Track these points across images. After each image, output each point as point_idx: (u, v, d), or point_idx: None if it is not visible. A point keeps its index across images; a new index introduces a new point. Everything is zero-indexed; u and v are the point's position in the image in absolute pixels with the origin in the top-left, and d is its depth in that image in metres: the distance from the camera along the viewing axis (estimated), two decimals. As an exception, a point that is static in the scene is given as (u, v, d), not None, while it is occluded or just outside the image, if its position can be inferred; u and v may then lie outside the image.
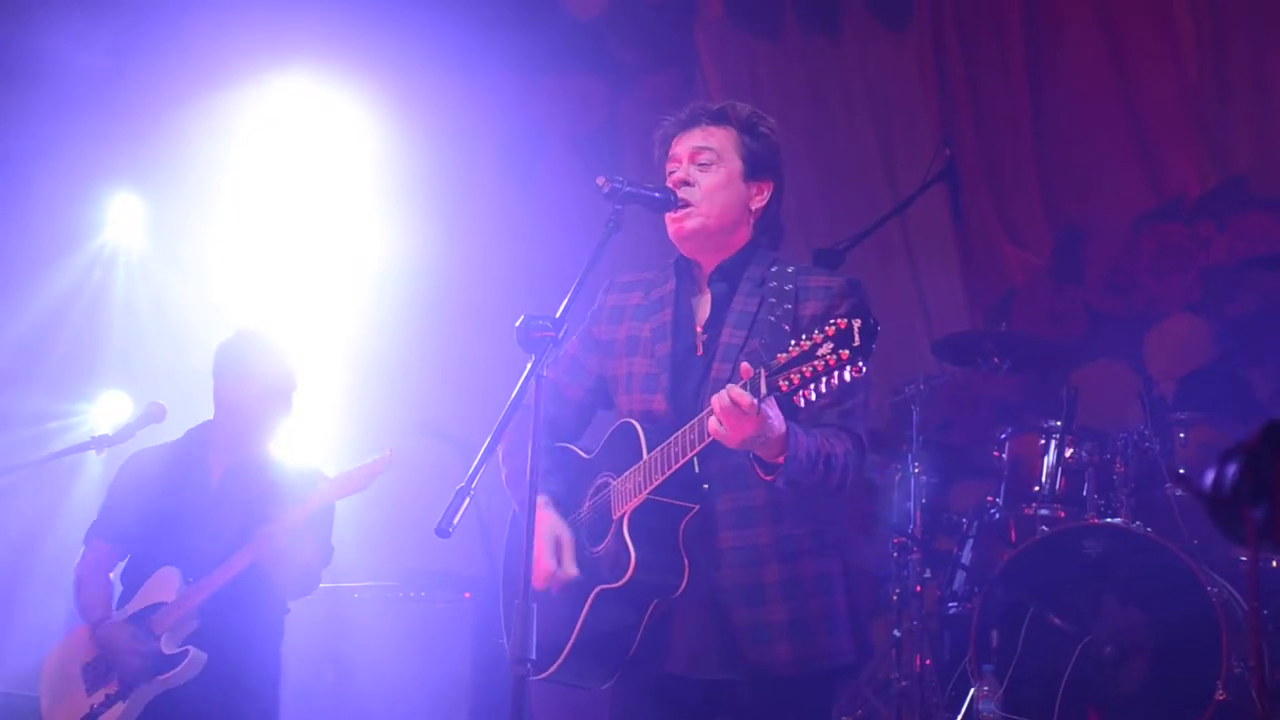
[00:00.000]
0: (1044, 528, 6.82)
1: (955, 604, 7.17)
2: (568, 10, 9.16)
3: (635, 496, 3.82)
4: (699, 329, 4.01)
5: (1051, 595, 6.52)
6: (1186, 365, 7.93)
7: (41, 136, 7.98)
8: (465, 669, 6.89)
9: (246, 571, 5.20)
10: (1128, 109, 8.53)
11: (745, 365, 3.52)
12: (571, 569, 3.92)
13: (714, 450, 3.68)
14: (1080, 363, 8.14)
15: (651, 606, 3.85)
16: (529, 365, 3.54)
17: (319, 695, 6.72)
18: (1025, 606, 6.52)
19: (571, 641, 3.87)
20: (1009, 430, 7.36)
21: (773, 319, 3.78)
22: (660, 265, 4.18)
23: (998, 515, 7.28)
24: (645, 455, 3.83)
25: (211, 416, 5.66)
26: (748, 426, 3.50)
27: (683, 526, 3.82)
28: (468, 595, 7.03)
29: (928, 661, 6.97)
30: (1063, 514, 6.98)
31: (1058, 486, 7.03)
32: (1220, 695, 6.06)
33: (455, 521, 3.39)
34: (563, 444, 4.19)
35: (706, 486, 3.84)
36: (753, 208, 4.06)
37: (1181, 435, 6.93)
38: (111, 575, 5.55)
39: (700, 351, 3.97)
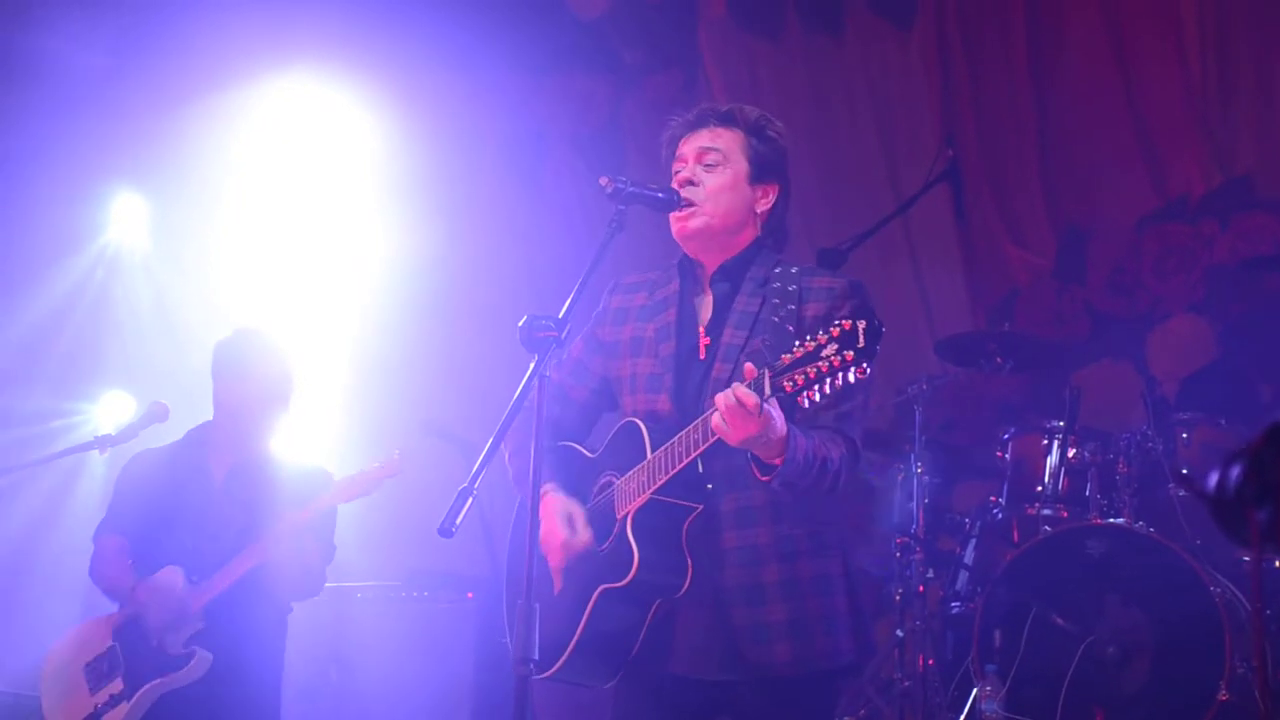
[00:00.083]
0: (1047, 528, 6.82)
1: (958, 604, 7.18)
2: (571, 10, 9.16)
3: (639, 496, 3.83)
4: (701, 329, 4.01)
5: (1054, 595, 6.52)
6: (1189, 366, 7.93)
7: (43, 136, 7.99)
8: (468, 669, 6.89)
9: (251, 573, 5.20)
10: (1131, 109, 8.53)
11: (749, 365, 3.52)
12: (585, 534, 3.93)
13: (718, 450, 3.68)
14: (1083, 363, 8.15)
15: (654, 606, 3.85)
16: (532, 365, 3.54)
17: (322, 695, 6.73)
18: (1028, 606, 6.52)
19: (574, 640, 3.88)
20: (1012, 430, 7.36)
21: (776, 319, 3.78)
22: (664, 266, 4.18)
23: (1000, 515, 7.28)
24: (649, 455, 3.83)
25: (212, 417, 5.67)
26: (751, 426, 3.50)
27: (686, 526, 3.82)
28: (470, 595, 7.03)
29: (930, 661, 6.97)
30: (1065, 514, 6.98)
31: (1060, 487, 7.03)
32: (1223, 695, 6.05)
33: (458, 522, 3.39)
34: (566, 443, 4.19)
35: (710, 486, 3.84)
36: (758, 210, 4.06)
37: (1184, 435, 6.93)
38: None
39: (702, 353, 3.97)
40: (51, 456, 5.91)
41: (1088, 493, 6.95)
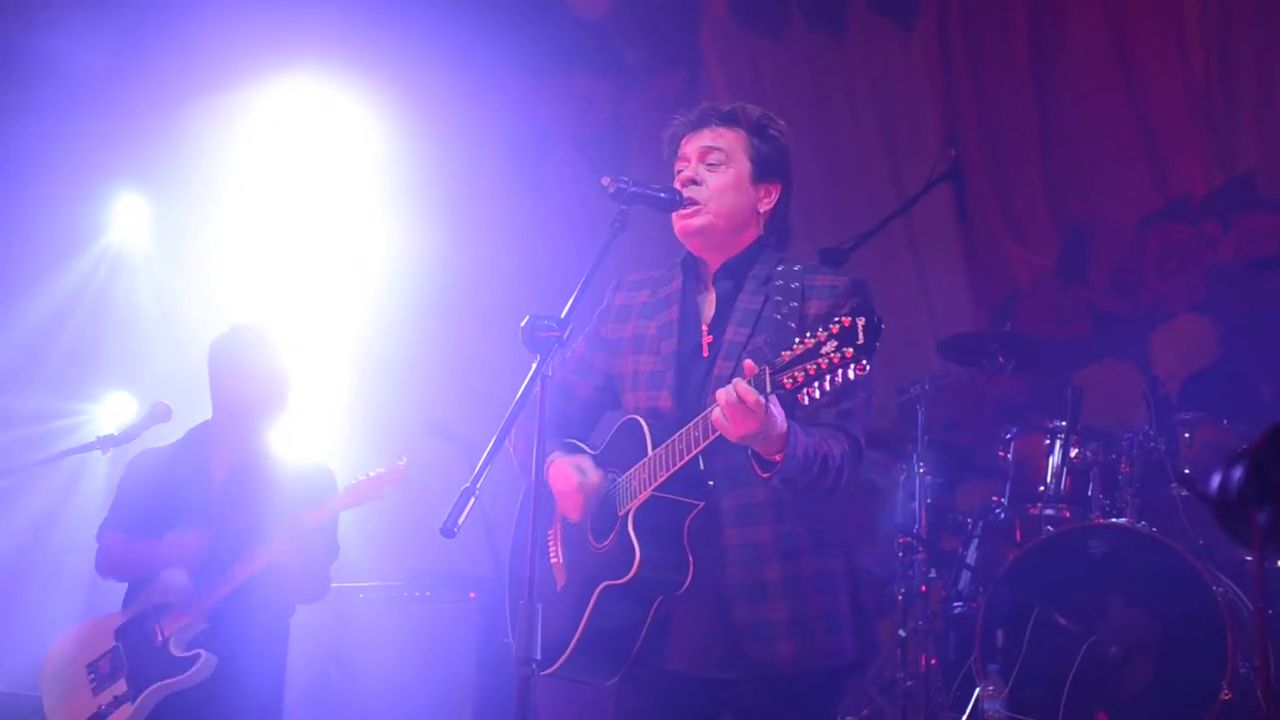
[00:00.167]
0: (1049, 528, 6.83)
1: (960, 604, 7.18)
2: (572, 10, 9.16)
3: (640, 493, 3.83)
4: (704, 327, 4.02)
5: (1056, 595, 6.53)
6: (1191, 365, 7.92)
7: (45, 136, 7.99)
8: (470, 669, 6.90)
9: (256, 575, 5.19)
10: (1133, 108, 8.52)
11: (749, 362, 3.53)
12: (596, 475, 3.95)
13: (719, 447, 3.69)
14: (1085, 363, 8.15)
15: (656, 603, 3.86)
16: (534, 365, 3.54)
17: (324, 695, 6.73)
18: (1030, 606, 6.52)
19: (576, 638, 3.88)
20: (1014, 430, 7.36)
21: (778, 317, 3.79)
22: (668, 264, 4.19)
23: (1003, 515, 7.29)
24: (650, 452, 3.84)
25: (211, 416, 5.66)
26: (751, 423, 3.50)
27: (687, 523, 3.83)
28: (473, 595, 7.03)
29: (933, 661, 6.97)
30: (1068, 514, 6.98)
31: (1063, 486, 7.03)
32: (1225, 695, 6.06)
33: (460, 522, 3.39)
34: (570, 440, 4.19)
35: (711, 484, 3.85)
36: (761, 210, 4.06)
37: (1186, 435, 6.94)
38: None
39: (705, 351, 3.98)
40: (54, 457, 5.90)
41: (1090, 492, 6.96)
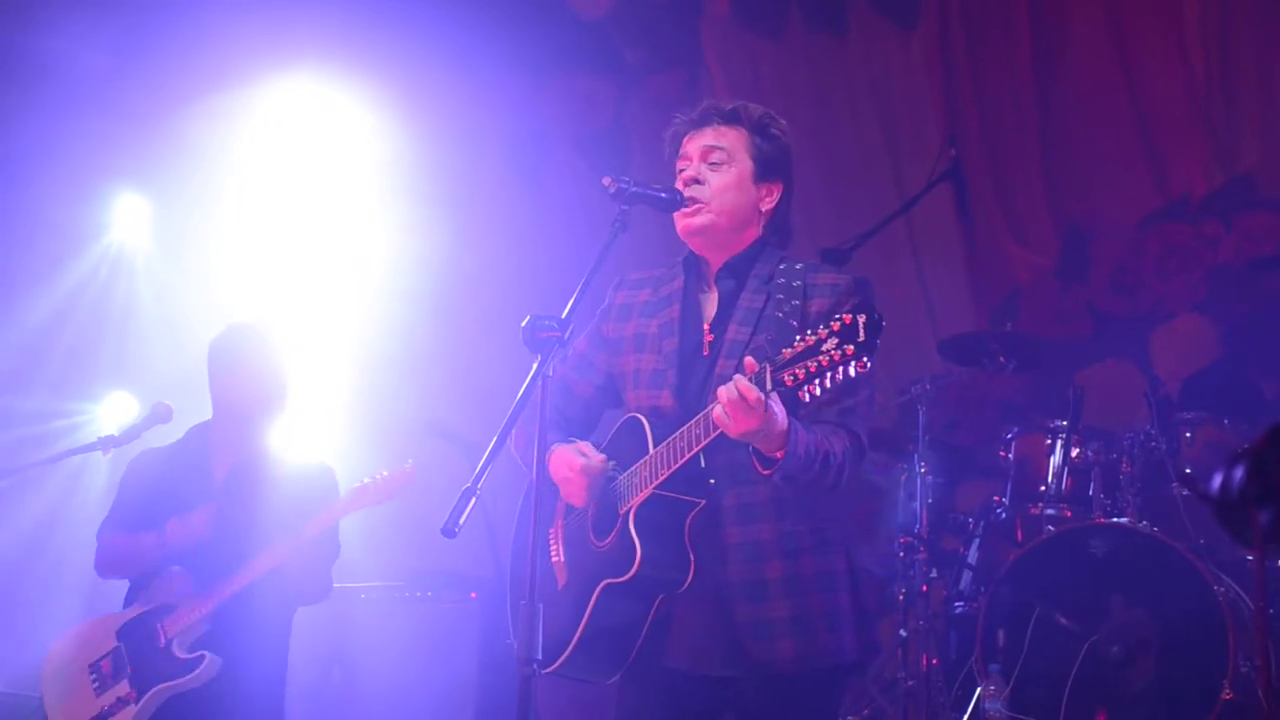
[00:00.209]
0: (1050, 527, 6.83)
1: (961, 603, 7.18)
2: (573, 10, 9.16)
3: (641, 491, 3.83)
4: (706, 326, 4.02)
5: (1058, 595, 6.53)
6: (1192, 365, 7.92)
7: (46, 136, 7.99)
8: (471, 669, 6.90)
9: (259, 577, 5.19)
10: (1134, 108, 8.53)
11: (749, 359, 3.53)
12: (598, 457, 3.96)
13: (720, 445, 3.69)
14: (1086, 363, 8.14)
15: (657, 602, 3.86)
16: (535, 366, 3.55)
17: (325, 695, 6.73)
18: (1031, 606, 6.53)
19: (577, 635, 3.88)
20: (1015, 430, 7.36)
21: (780, 315, 3.79)
22: (669, 263, 4.19)
23: (1004, 515, 7.29)
24: (651, 450, 3.84)
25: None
26: (752, 420, 3.51)
27: (688, 522, 3.83)
28: (474, 595, 7.03)
29: (934, 661, 6.97)
30: (1069, 514, 6.98)
31: (1064, 486, 7.03)
32: (1227, 694, 6.06)
33: (461, 522, 3.39)
34: (571, 439, 4.19)
35: (713, 482, 3.85)
36: (762, 209, 4.07)
37: (1187, 435, 6.94)
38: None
39: (706, 349, 3.98)
40: (55, 457, 5.90)
41: (1091, 492, 6.96)
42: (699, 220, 3.99)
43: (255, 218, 8.29)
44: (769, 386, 3.47)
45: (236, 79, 8.07)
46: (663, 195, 3.95)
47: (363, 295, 8.29)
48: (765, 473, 3.68)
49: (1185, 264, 8.37)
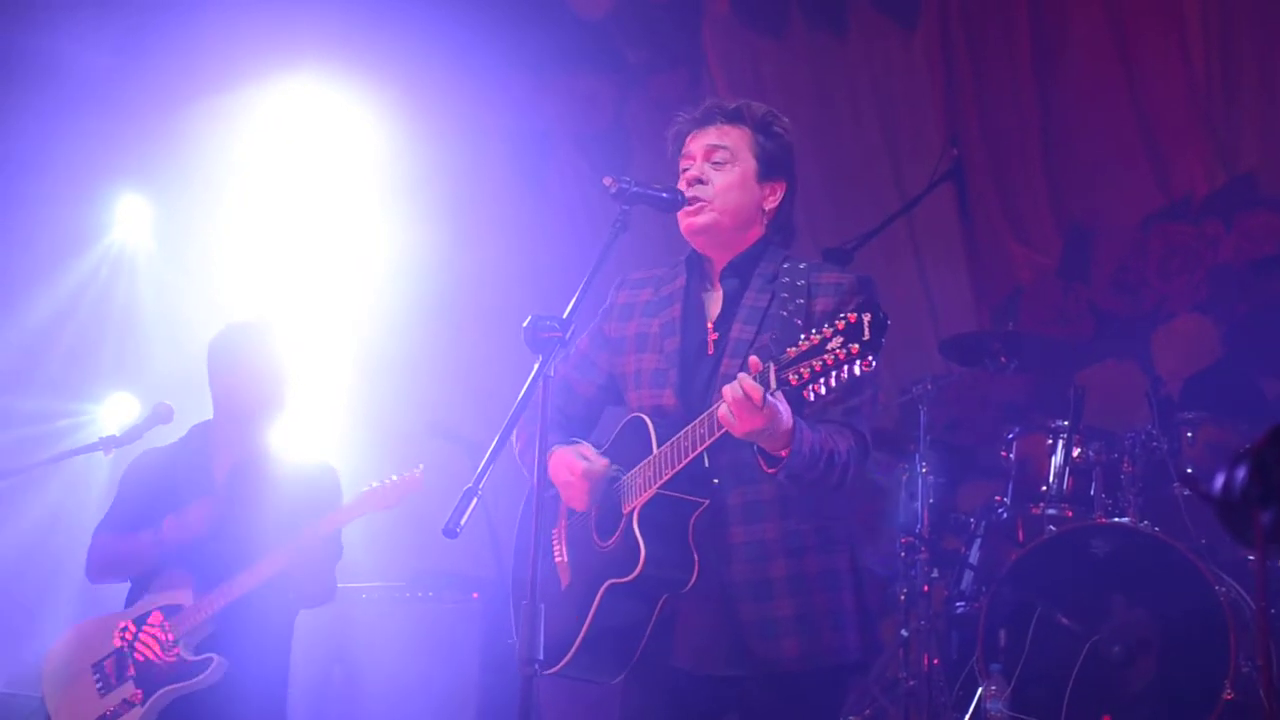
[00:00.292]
0: (1051, 527, 6.83)
1: (963, 603, 7.18)
2: (574, 10, 9.16)
3: (645, 491, 3.83)
4: (710, 325, 4.02)
5: (1059, 595, 6.53)
6: (1193, 365, 7.92)
7: (48, 136, 7.99)
8: (473, 669, 6.90)
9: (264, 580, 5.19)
10: (1135, 108, 8.53)
11: (754, 358, 3.54)
12: (600, 461, 3.95)
13: (724, 445, 3.70)
14: (1087, 362, 8.14)
15: (661, 602, 3.85)
16: (536, 366, 3.55)
17: (327, 695, 6.73)
18: (1033, 606, 6.52)
19: (581, 636, 3.88)
20: (1016, 430, 7.36)
21: (784, 314, 3.79)
22: (671, 262, 4.19)
23: (1005, 515, 7.29)
24: (655, 450, 3.84)
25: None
26: (757, 419, 3.51)
27: (693, 521, 3.83)
28: (475, 595, 7.04)
29: (935, 661, 6.97)
30: (1070, 513, 6.98)
31: (1065, 486, 7.03)
32: (1228, 694, 6.06)
33: (463, 522, 3.39)
34: (572, 439, 4.19)
35: (717, 481, 3.85)
36: (766, 208, 4.07)
37: (1189, 435, 6.94)
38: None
39: (711, 348, 3.98)
40: (56, 458, 5.90)
41: (1092, 492, 6.96)
42: (702, 219, 3.99)
43: (257, 218, 8.29)
44: (774, 385, 3.47)
45: (238, 79, 8.08)
46: (664, 195, 3.95)
47: (364, 295, 8.29)
48: (770, 471, 3.67)
49: (1187, 264, 8.38)
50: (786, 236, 4.13)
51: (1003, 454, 7.38)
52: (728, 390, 3.53)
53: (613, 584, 3.83)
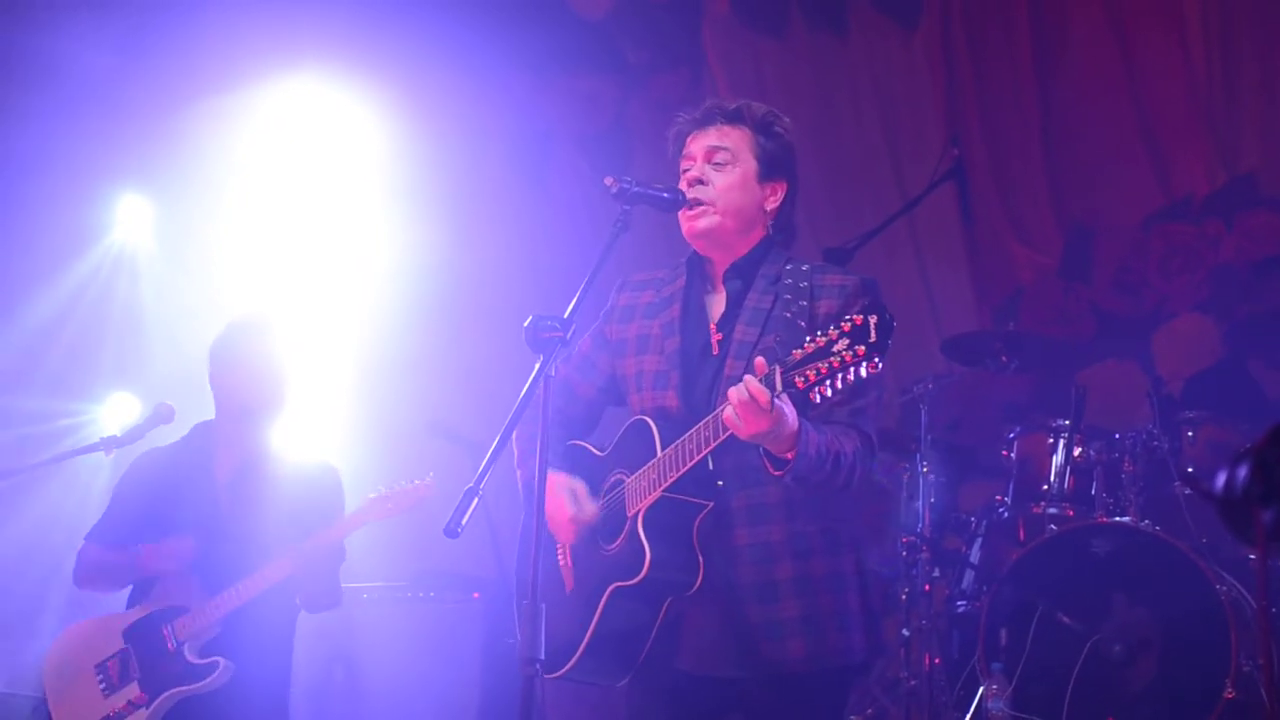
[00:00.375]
0: (1052, 526, 6.83)
1: (964, 603, 7.18)
2: (575, 10, 9.16)
3: (650, 494, 3.83)
4: (713, 326, 4.01)
5: (1060, 594, 6.53)
6: (1194, 365, 7.93)
7: (48, 137, 7.99)
8: (474, 669, 6.90)
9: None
10: (1136, 108, 8.53)
11: (760, 360, 3.53)
12: (591, 508, 3.95)
13: (728, 447, 3.69)
14: (1088, 362, 8.14)
15: (666, 604, 3.85)
16: (537, 366, 3.55)
17: (329, 695, 6.73)
18: (1034, 605, 6.53)
19: (586, 639, 3.88)
20: (1017, 429, 7.36)
21: (788, 315, 3.79)
22: (673, 264, 4.19)
23: (1006, 514, 7.29)
24: (659, 452, 3.84)
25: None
26: (763, 421, 3.51)
27: (697, 524, 3.83)
28: (476, 595, 7.03)
29: (936, 660, 6.98)
30: (1071, 513, 6.99)
31: (1066, 485, 7.04)
32: (1229, 693, 6.07)
33: (464, 522, 3.39)
34: (575, 442, 4.19)
35: (721, 483, 3.85)
36: (767, 208, 4.06)
37: (1190, 434, 6.94)
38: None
39: (715, 349, 3.98)
40: (57, 458, 5.90)
41: (1093, 491, 6.96)
42: (705, 222, 3.99)
43: (258, 218, 8.29)
44: (779, 387, 3.47)
45: (239, 79, 8.08)
46: (664, 195, 3.95)
47: (365, 295, 8.29)
48: (776, 474, 3.67)
49: (1188, 263, 8.38)
50: (788, 237, 4.13)
51: (1004, 453, 7.38)
52: (733, 392, 3.52)
53: (618, 587, 3.83)
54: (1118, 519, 6.64)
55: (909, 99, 9.05)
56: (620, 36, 9.35)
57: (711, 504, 3.83)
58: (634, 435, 3.97)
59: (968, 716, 6.58)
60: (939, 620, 7.16)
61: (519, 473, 4.20)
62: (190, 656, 5.15)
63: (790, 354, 3.46)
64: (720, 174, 4.01)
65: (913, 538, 7.20)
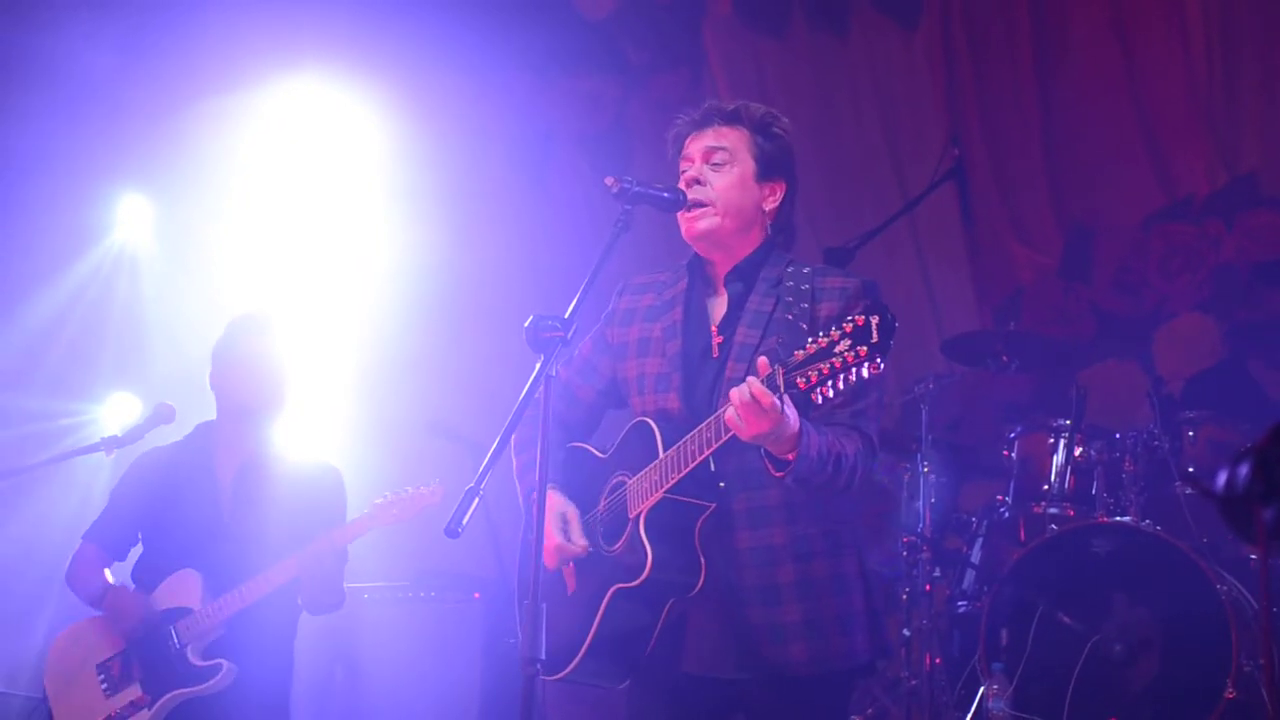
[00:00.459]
0: (1053, 526, 6.83)
1: (965, 603, 7.18)
2: (577, 11, 9.16)
3: (651, 495, 3.83)
4: (714, 328, 4.01)
5: (1061, 594, 6.53)
6: (1195, 365, 7.93)
7: (50, 137, 7.99)
8: (475, 669, 6.90)
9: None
10: (1136, 108, 8.53)
11: (763, 360, 3.53)
12: (580, 541, 3.94)
13: (730, 449, 3.69)
14: (1089, 362, 8.14)
15: (668, 606, 3.84)
16: (538, 365, 3.54)
17: (330, 695, 6.74)
18: (1035, 605, 6.53)
19: (588, 641, 3.88)
20: (1018, 429, 7.36)
21: (789, 318, 3.79)
22: (674, 267, 4.19)
23: (1007, 514, 7.29)
24: (661, 454, 3.83)
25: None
26: (765, 422, 3.51)
27: (699, 525, 3.82)
28: (477, 595, 7.03)
29: (937, 660, 6.98)
30: (1072, 513, 6.99)
31: (1067, 485, 7.04)
32: (1230, 693, 6.06)
33: (464, 522, 3.39)
34: (577, 444, 4.19)
35: (723, 485, 3.84)
36: (766, 209, 4.06)
37: (1190, 434, 6.95)
38: (109, 573, 5.49)
39: (715, 352, 3.97)
40: (57, 458, 5.91)
41: (1094, 491, 6.96)
42: (704, 224, 3.99)
43: (259, 219, 8.29)
44: (781, 388, 3.46)
45: (241, 80, 8.08)
46: (665, 195, 3.95)
47: (366, 295, 8.29)
48: (778, 475, 3.67)
49: (1188, 263, 8.38)
50: (788, 238, 4.13)
51: (1005, 453, 7.38)
52: (735, 393, 3.52)
53: (619, 588, 3.83)
54: (1118, 519, 6.64)
55: (909, 99, 9.05)
56: (621, 36, 9.35)
57: (714, 505, 3.82)
58: (636, 437, 3.97)
59: (968, 716, 6.58)
60: (940, 620, 7.16)
61: (519, 485, 4.20)
62: (193, 658, 5.15)
63: (792, 355, 3.46)
64: (718, 174, 4.01)
65: (913, 538, 7.19)
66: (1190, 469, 6.84)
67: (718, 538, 3.83)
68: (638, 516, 3.84)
